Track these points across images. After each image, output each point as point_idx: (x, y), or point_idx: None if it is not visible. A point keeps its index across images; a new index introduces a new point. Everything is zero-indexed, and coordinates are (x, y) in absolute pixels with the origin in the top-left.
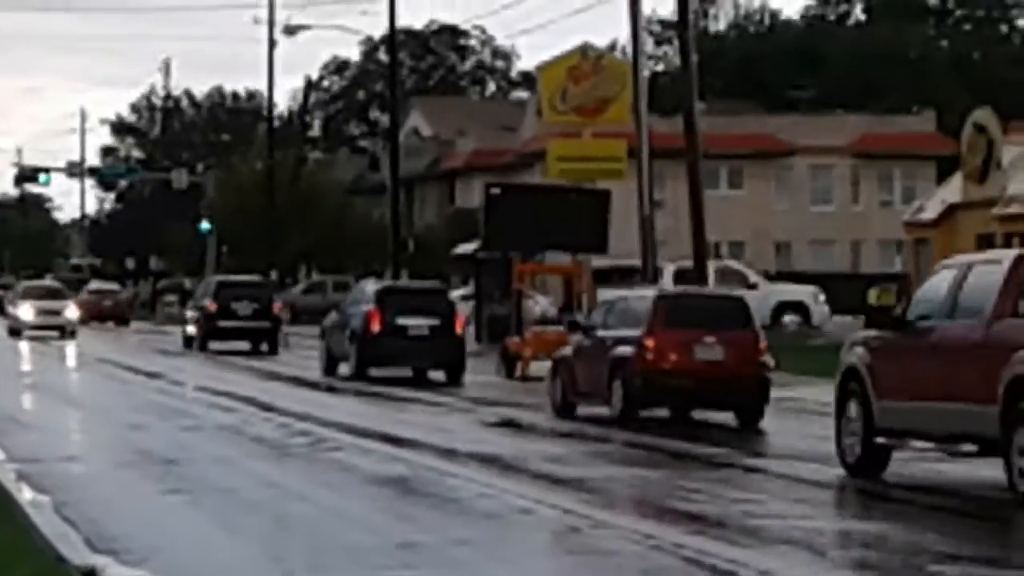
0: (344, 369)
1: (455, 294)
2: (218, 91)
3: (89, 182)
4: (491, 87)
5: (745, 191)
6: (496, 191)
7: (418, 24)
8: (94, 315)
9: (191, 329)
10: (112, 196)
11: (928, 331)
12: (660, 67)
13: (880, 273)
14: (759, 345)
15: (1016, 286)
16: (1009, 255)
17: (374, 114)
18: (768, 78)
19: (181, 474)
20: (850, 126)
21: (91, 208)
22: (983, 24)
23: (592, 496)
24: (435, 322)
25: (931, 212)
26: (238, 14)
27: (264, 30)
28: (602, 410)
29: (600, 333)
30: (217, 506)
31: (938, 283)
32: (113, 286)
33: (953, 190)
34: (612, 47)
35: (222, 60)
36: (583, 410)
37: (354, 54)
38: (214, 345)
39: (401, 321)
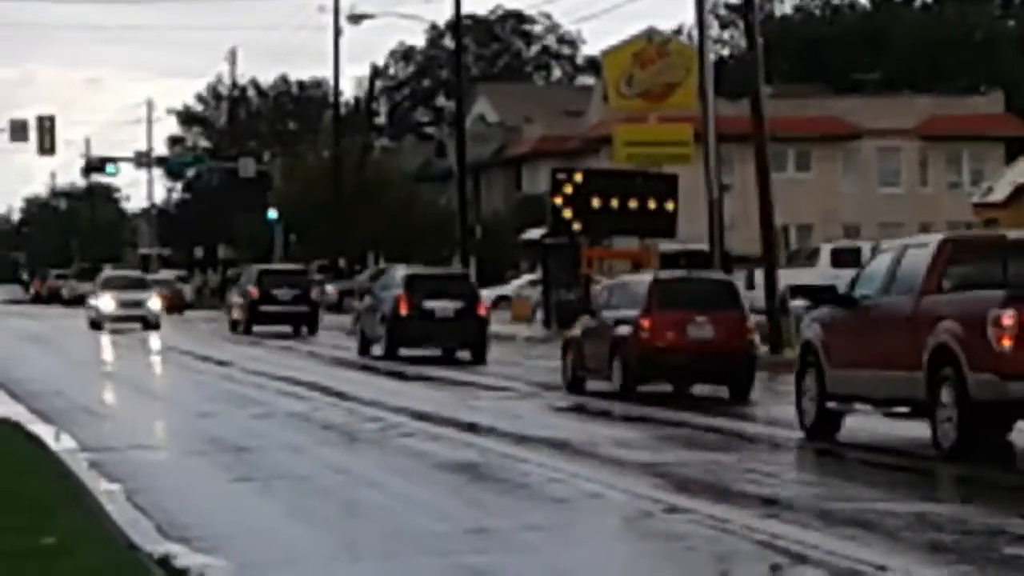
0: (377, 350)
1: (523, 280)
2: (284, 80)
3: (157, 172)
4: (556, 73)
5: (813, 174)
6: (563, 177)
7: (483, 10)
8: None
9: (236, 314)
10: (180, 186)
11: (869, 307)
12: (726, 51)
13: None
14: (746, 324)
15: (940, 266)
16: (936, 239)
17: (440, 101)
18: (834, 61)
19: (252, 462)
20: (917, 108)
21: (159, 198)
22: None
23: (662, 480)
24: (460, 305)
25: (1000, 193)
26: (303, 2)
27: (329, 18)
28: (606, 385)
29: (604, 314)
30: (288, 493)
31: (878, 264)
32: (169, 276)
33: (1021, 171)
34: (678, 31)
35: (288, 49)
36: (591, 385)
37: (419, 41)
38: (257, 329)
39: (428, 304)
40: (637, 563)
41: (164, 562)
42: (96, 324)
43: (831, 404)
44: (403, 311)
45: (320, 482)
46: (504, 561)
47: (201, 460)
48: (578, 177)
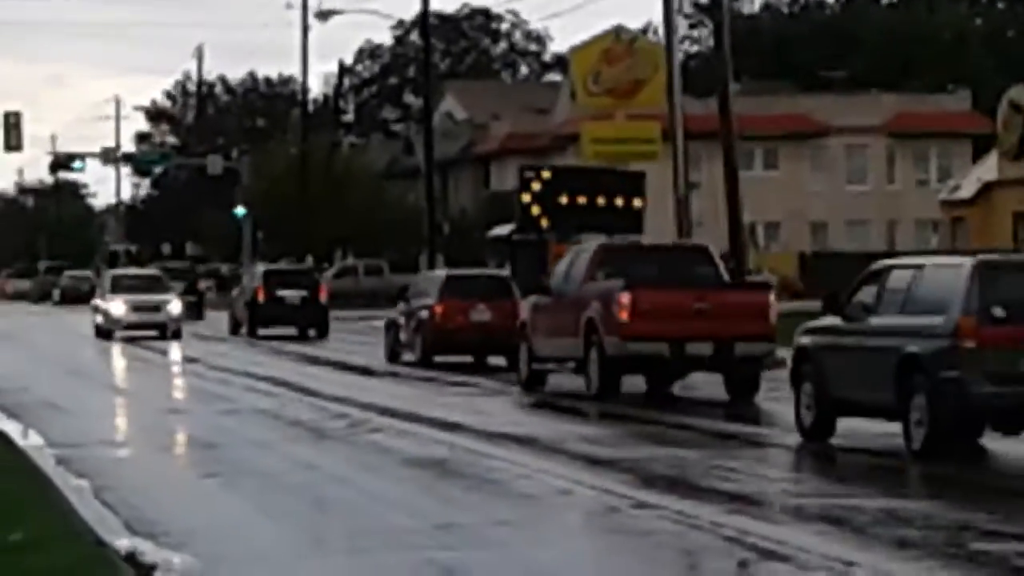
0: (243, 330)
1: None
2: (252, 77)
3: (124, 169)
4: (524, 70)
5: (780, 172)
6: (531, 174)
7: (450, 8)
8: None
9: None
10: (147, 182)
11: (557, 294)
12: (694, 49)
13: (916, 251)
14: (518, 311)
15: (595, 263)
16: (594, 245)
17: (407, 98)
18: (802, 58)
19: (220, 458)
20: (885, 105)
21: (126, 195)
22: (1017, 1)
23: (630, 476)
24: (305, 293)
25: (967, 191)
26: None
27: (297, 15)
28: (412, 356)
29: (413, 302)
30: (256, 489)
31: (565, 261)
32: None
33: (989, 168)
34: (645, 29)
35: (255, 46)
36: (405, 357)
37: (387, 38)
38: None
39: (280, 293)
40: (606, 559)
41: (131, 558)
42: (105, 332)
43: (536, 365)
44: (260, 298)
45: (288, 478)
46: (473, 557)
47: (168, 456)
48: (546, 174)
